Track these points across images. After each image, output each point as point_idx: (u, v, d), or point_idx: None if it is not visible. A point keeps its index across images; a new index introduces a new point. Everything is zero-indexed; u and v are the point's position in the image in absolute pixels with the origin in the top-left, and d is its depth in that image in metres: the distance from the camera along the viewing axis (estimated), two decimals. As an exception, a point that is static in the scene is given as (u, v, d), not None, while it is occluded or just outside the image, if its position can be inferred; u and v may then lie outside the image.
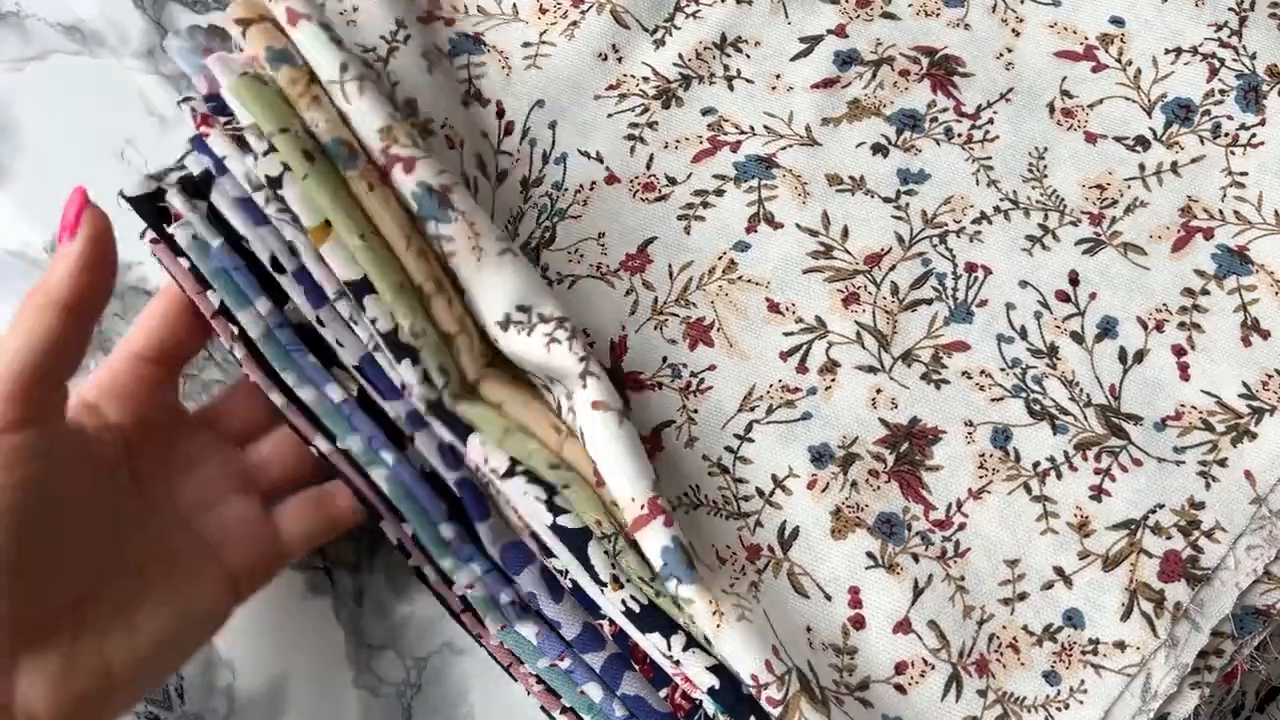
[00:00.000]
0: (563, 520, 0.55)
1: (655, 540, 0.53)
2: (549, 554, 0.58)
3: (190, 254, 0.61)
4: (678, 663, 0.55)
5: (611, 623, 0.58)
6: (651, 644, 0.55)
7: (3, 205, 0.81)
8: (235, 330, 0.62)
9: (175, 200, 0.61)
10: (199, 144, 0.60)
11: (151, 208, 0.62)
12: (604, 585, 0.55)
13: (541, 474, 0.56)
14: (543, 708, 0.62)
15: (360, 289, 0.55)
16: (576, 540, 0.55)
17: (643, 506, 0.54)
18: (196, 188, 0.61)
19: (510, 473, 0.56)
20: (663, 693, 0.57)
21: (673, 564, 0.53)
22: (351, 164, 0.56)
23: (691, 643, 0.55)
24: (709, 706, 0.55)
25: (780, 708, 0.53)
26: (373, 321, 0.55)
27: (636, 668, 0.58)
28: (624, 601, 0.55)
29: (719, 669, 0.55)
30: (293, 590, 0.74)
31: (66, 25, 0.85)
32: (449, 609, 0.65)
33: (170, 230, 0.61)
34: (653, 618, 0.55)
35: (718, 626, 0.53)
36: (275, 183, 0.55)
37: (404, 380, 0.57)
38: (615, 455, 0.55)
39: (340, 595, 0.74)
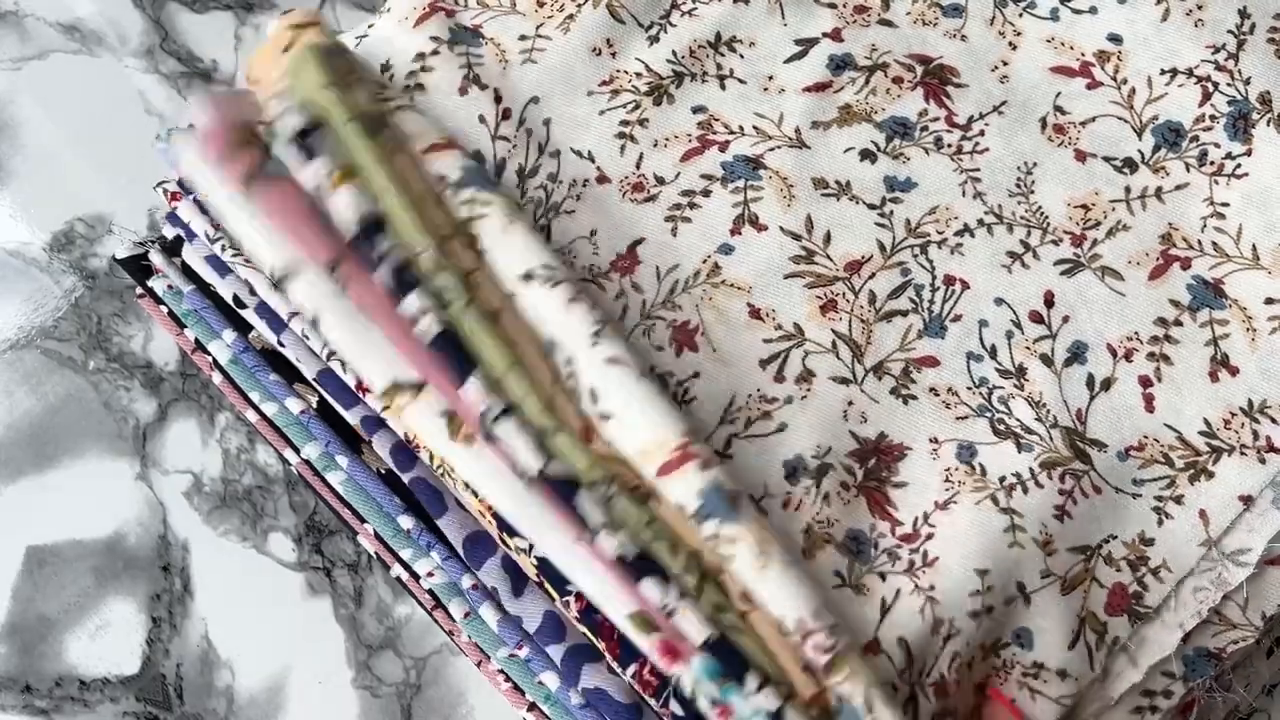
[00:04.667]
0: (553, 468, 0.55)
1: (691, 483, 0.53)
2: (512, 533, 0.58)
3: (167, 301, 0.71)
4: (671, 612, 0.54)
5: (579, 598, 0.58)
6: (648, 591, 0.54)
7: (1, 204, 0.83)
8: (211, 360, 0.70)
9: (156, 258, 0.71)
10: (171, 217, 0.68)
11: (138, 267, 0.72)
12: (596, 532, 0.55)
13: (533, 418, 0.56)
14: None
15: (373, 226, 0.59)
16: (565, 489, 0.55)
17: (674, 450, 0.54)
18: (171, 248, 0.70)
19: (505, 414, 0.56)
20: (630, 670, 0.57)
21: (713, 503, 0.53)
22: (378, 132, 0.60)
23: (685, 594, 0.54)
24: (688, 676, 0.53)
25: (829, 655, 0.52)
26: (385, 251, 0.58)
27: (602, 645, 0.58)
28: (620, 546, 0.54)
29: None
30: (293, 590, 0.75)
31: (65, 24, 0.86)
32: (422, 606, 0.67)
33: (150, 283, 0.71)
34: (648, 566, 0.54)
35: (763, 567, 0.53)
36: (304, 134, 0.60)
37: (410, 312, 0.58)
38: (639, 403, 0.55)
39: (340, 595, 0.75)
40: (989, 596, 0.58)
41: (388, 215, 0.59)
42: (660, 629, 0.55)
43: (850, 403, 0.61)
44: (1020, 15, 0.72)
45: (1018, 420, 0.61)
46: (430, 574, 0.63)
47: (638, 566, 0.54)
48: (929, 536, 0.59)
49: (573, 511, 0.55)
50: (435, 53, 0.67)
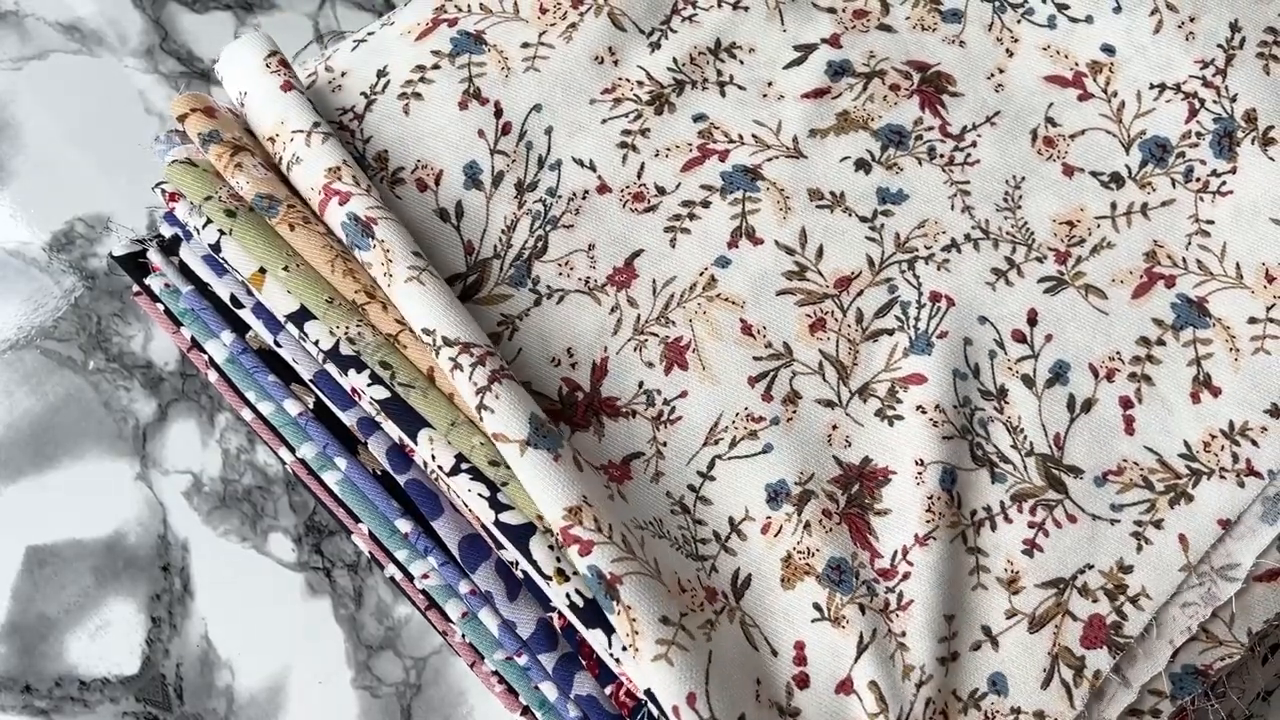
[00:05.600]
0: (505, 517, 0.58)
1: (578, 565, 0.56)
2: (500, 545, 0.61)
3: (164, 299, 0.72)
4: (618, 661, 0.57)
5: (560, 615, 0.61)
6: (594, 639, 0.57)
7: (1, 204, 0.84)
8: (207, 358, 0.72)
9: (154, 256, 0.72)
10: (169, 216, 0.70)
11: (135, 264, 0.73)
12: (548, 579, 0.57)
13: (483, 470, 0.59)
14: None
15: (300, 318, 0.64)
16: (519, 536, 0.58)
17: (559, 534, 0.56)
18: (168, 247, 0.72)
19: (456, 470, 0.60)
20: (608, 689, 0.60)
21: (594, 590, 0.55)
22: (273, 211, 0.64)
23: None
24: (652, 708, 0.56)
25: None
26: (315, 343, 0.63)
27: (584, 664, 0.60)
28: (569, 595, 0.57)
29: None
30: (293, 590, 0.77)
31: (65, 24, 0.87)
32: (415, 606, 0.68)
33: (147, 281, 0.72)
34: (597, 613, 0.57)
35: (634, 659, 0.55)
36: (215, 248, 0.66)
37: (354, 386, 0.63)
38: (525, 483, 0.57)
39: (340, 595, 0.76)
40: (954, 642, 0.60)
41: (307, 306, 0.63)
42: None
43: (834, 427, 0.63)
44: (1019, 21, 0.73)
45: (994, 447, 0.63)
46: (425, 576, 0.64)
47: (590, 614, 0.57)
48: (905, 576, 0.60)
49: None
50: (436, 66, 0.68)
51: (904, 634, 0.59)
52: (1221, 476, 0.63)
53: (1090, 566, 0.61)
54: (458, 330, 0.59)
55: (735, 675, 0.56)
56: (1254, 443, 0.64)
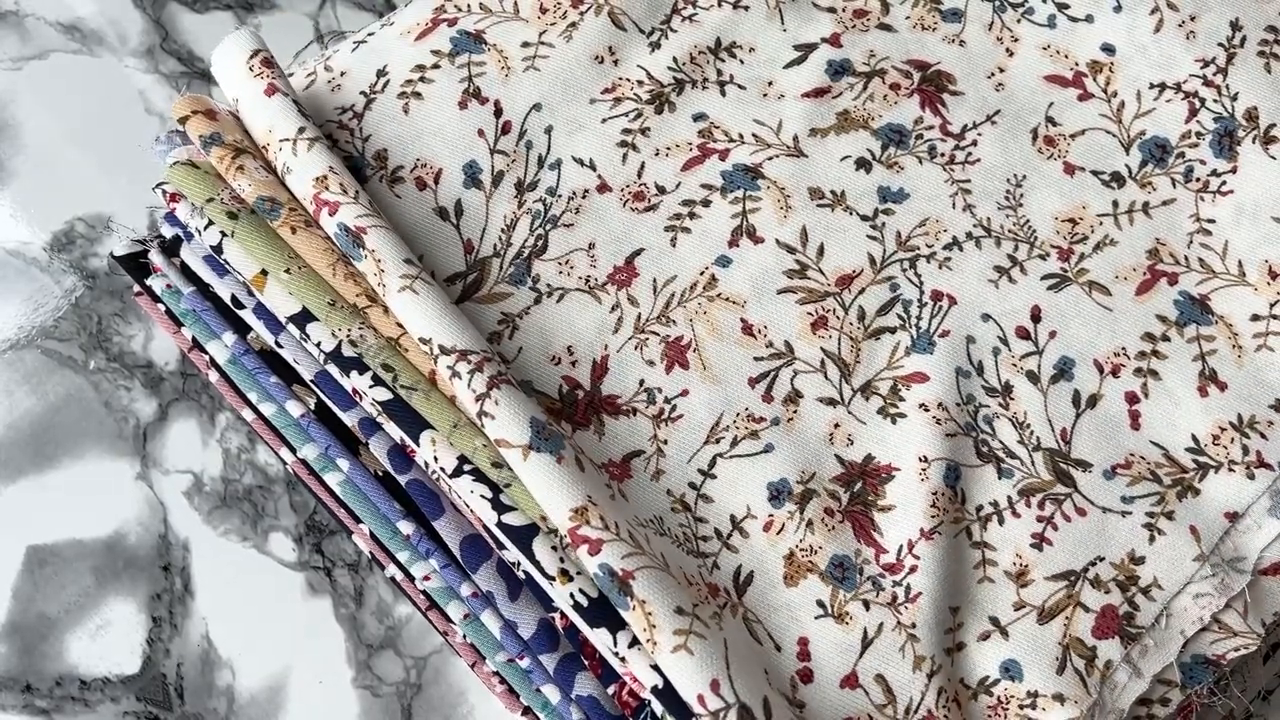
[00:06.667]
0: (508, 518, 0.58)
1: (588, 564, 0.56)
2: (502, 545, 0.61)
3: (165, 300, 0.72)
4: (624, 659, 0.57)
5: (563, 616, 0.60)
6: (598, 639, 0.57)
7: (1, 204, 0.84)
8: (208, 359, 0.72)
9: (155, 257, 0.72)
10: (170, 217, 0.70)
11: (136, 265, 0.73)
12: (551, 579, 0.57)
13: (486, 472, 0.59)
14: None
15: (302, 320, 0.64)
16: (522, 537, 0.58)
17: (566, 535, 0.56)
18: (170, 248, 0.72)
19: (458, 471, 0.59)
20: (610, 689, 0.59)
21: (606, 588, 0.55)
22: (274, 214, 0.64)
23: (638, 640, 0.56)
24: (656, 706, 0.56)
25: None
26: (317, 345, 0.63)
27: (586, 664, 0.60)
28: (572, 595, 0.57)
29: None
30: (293, 590, 0.77)
31: (66, 24, 0.87)
32: (416, 606, 0.69)
33: (148, 282, 0.72)
34: (601, 612, 0.57)
35: (653, 652, 0.55)
36: (217, 249, 0.66)
37: (355, 388, 0.62)
38: (530, 487, 0.57)
39: (340, 595, 0.76)
40: (959, 634, 0.60)
41: (309, 308, 0.63)
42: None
43: (836, 425, 0.63)
44: (1019, 21, 0.73)
45: (1000, 443, 0.63)
46: (426, 578, 0.64)
47: (594, 613, 0.57)
48: (912, 569, 0.60)
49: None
50: (436, 66, 0.68)
51: (913, 625, 0.59)
52: (1230, 469, 0.63)
53: (1101, 559, 0.61)
54: (454, 338, 0.59)
55: (749, 663, 0.56)
56: (1263, 435, 0.64)
